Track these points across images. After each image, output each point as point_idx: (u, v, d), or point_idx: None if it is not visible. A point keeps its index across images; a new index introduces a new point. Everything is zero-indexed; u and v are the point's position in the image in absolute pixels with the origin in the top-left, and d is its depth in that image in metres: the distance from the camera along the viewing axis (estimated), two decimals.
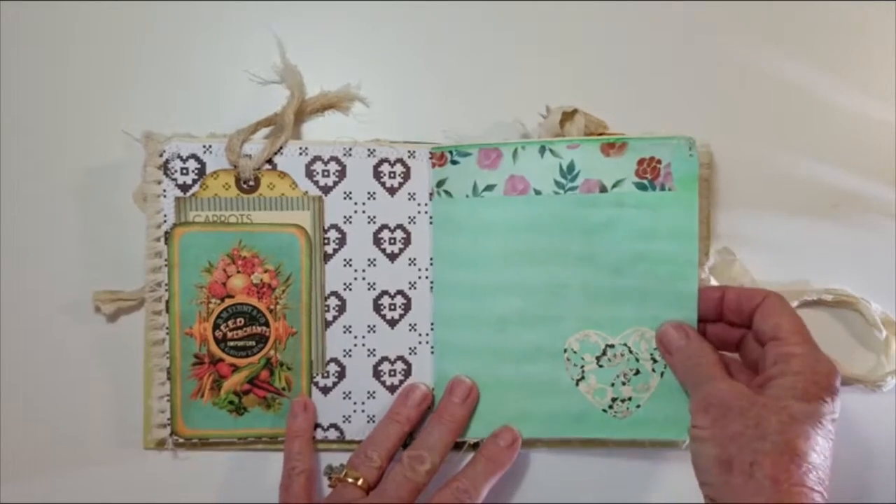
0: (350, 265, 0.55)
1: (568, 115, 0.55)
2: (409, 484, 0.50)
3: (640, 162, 0.53)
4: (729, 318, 0.52)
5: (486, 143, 0.54)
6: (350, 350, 0.55)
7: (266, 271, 0.54)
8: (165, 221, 0.53)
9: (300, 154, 0.54)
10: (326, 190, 0.54)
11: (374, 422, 0.54)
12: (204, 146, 0.53)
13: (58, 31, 0.56)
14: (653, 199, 0.53)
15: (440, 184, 0.55)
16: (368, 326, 0.55)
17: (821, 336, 0.56)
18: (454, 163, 0.54)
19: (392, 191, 0.55)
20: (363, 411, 0.55)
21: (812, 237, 0.57)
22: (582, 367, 0.54)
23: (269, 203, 0.54)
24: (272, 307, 0.54)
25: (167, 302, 0.53)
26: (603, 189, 0.53)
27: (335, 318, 0.54)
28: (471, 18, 0.58)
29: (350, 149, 0.54)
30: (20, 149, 0.56)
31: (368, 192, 0.55)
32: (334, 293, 0.54)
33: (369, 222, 0.55)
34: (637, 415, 0.54)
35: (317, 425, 0.54)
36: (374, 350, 0.55)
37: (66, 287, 0.55)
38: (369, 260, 0.55)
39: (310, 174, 0.54)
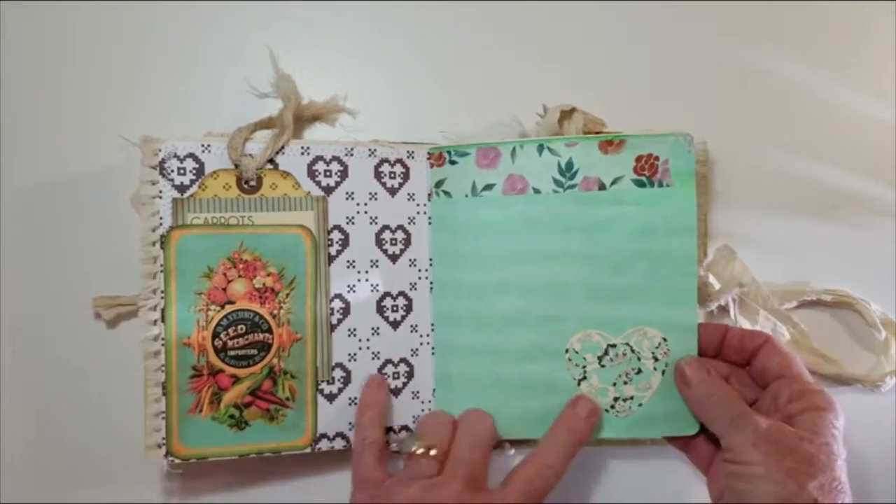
0: (353, 266, 0.53)
1: (566, 114, 0.55)
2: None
3: (638, 159, 0.53)
4: (728, 354, 0.53)
5: (484, 142, 0.54)
6: (355, 354, 0.53)
7: (269, 275, 0.51)
8: (161, 224, 0.50)
9: (302, 153, 0.52)
10: (329, 190, 0.53)
11: None
12: (202, 145, 0.51)
13: (57, 34, 0.54)
14: (651, 195, 0.53)
15: (439, 184, 0.54)
16: (372, 329, 0.53)
17: (820, 336, 0.57)
18: (452, 163, 0.54)
19: (392, 191, 0.54)
20: None
21: (812, 237, 0.58)
22: (584, 367, 0.53)
23: (273, 204, 0.52)
24: (275, 312, 0.51)
25: (163, 310, 0.50)
26: (602, 187, 0.53)
27: (340, 321, 0.53)
28: (468, 18, 0.57)
29: (351, 149, 0.53)
30: (19, 151, 0.54)
31: (370, 193, 0.53)
32: (338, 296, 0.53)
33: (371, 223, 0.53)
34: (639, 413, 0.53)
35: (322, 436, 0.52)
36: (378, 353, 0.54)
37: (66, 292, 0.53)
38: (372, 261, 0.53)
39: (312, 174, 0.52)
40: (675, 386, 0.52)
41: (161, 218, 0.50)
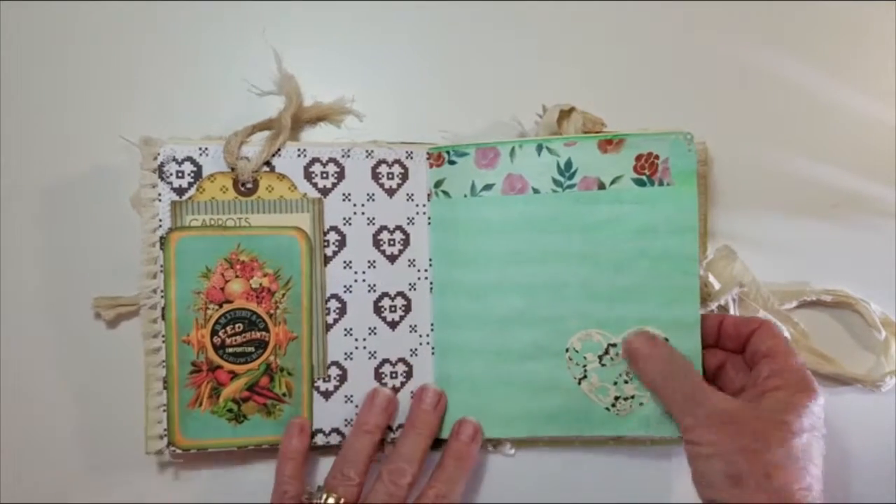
0: (350, 267, 0.54)
1: (565, 114, 0.55)
2: (392, 500, 0.50)
3: (638, 158, 0.53)
4: (725, 343, 0.53)
5: (483, 142, 0.54)
6: (351, 353, 0.54)
7: (265, 275, 0.52)
8: (161, 226, 0.51)
9: (299, 156, 0.53)
10: (325, 192, 0.53)
11: None
12: (200, 148, 0.52)
13: (57, 35, 0.55)
14: (651, 194, 0.53)
15: (438, 184, 0.55)
16: (369, 329, 0.54)
17: (820, 336, 0.57)
18: (452, 163, 0.54)
19: (391, 192, 0.54)
20: None
21: (812, 237, 0.58)
22: (584, 366, 0.53)
23: (268, 206, 0.53)
24: (272, 312, 0.53)
25: (163, 309, 0.51)
26: (601, 186, 0.53)
27: (336, 321, 0.54)
28: (467, 18, 0.58)
29: (348, 150, 0.54)
30: (19, 152, 0.54)
31: (367, 194, 0.54)
32: (334, 296, 0.54)
33: (368, 224, 0.54)
34: (639, 412, 0.53)
35: (318, 431, 0.53)
36: (374, 352, 0.54)
37: (67, 293, 0.54)
38: (369, 262, 0.54)
39: (308, 176, 0.53)
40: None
41: (160, 220, 0.51)
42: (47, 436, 0.54)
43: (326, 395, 0.54)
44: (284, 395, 0.53)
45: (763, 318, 0.53)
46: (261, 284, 0.52)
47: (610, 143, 0.53)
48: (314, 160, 0.53)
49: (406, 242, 0.55)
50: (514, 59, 0.58)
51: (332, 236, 0.53)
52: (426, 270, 0.55)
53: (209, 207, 0.52)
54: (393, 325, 0.55)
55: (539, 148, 0.53)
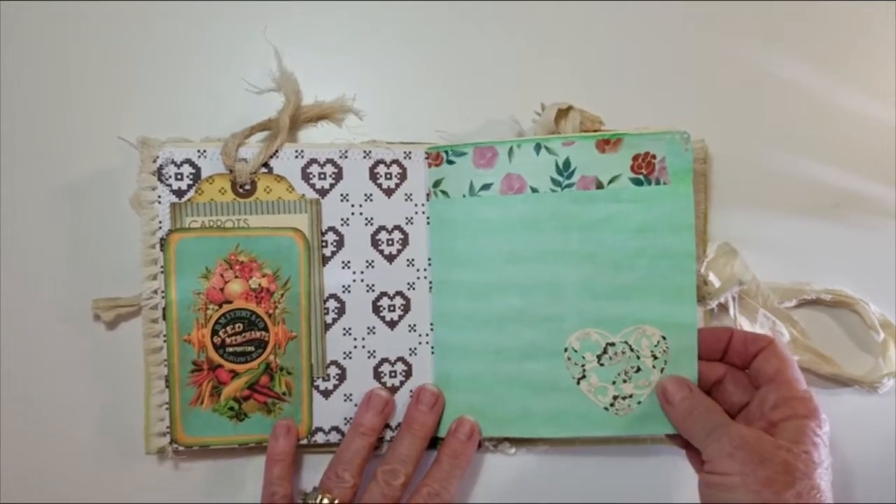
0: (348, 267, 0.54)
1: (563, 113, 0.55)
2: (386, 500, 0.50)
3: (636, 157, 0.53)
4: (731, 357, 0.53)
5: (481, 141, 0.54)
6: (350, 352, 0.54)
7: (264, 276, 0.53)
8: (161, 228, 0.52)
9: (296, 157, 0.53)
10: (323, 192, 0.54)
11: None
12: (198, 151, 0.52)
13: (57, 35, 0.55)
14: (649, 193, 0.53)
15: (437, 184, 0.55)
16: (368, 328, 0.55)
17: (820, 337, 0.56)
18: (450, 162, 0.54)
19: (389, 192, 0.55)
20: None
21: (812, 237, 0.57)
22: (583, 365, 0.54)
23: (266, 207, 0.53)
24: (271, 312, 0.53)
25: (164, 309, 0.52)
26: (599, 185, 0.53)
27: (335, 320, 0.54)
28: (465, 18, 0.57)
29: (346, 151, 0.54)
30: (19, 153, 0.55)
31: (365, 194, 0.54)
32: (333, 296, 0.54)
33: (367, 224, 0.54)
34: (639, 411, 0.53)
35: (318, 429, 0.54)
36: (374, 352, 0.55)
37: (66, 294, 0.54)
38: (367, 261, 0.54)
39: (306, 177, 0.53)
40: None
41: (160, 221, 0.52)
42: (47, 437, 0.54)
43: (326, 393, 0.54)
44: (284, 393, 0.54)
45: (771, 336, 0.53)
46: (260, 285, 0.53)
47: (608, 143, 0.53)
48: (312, 161, 0.54)
49: (405, 242, 0.55)
50: (512, 59, 0.57)
51: (330, 237, 0.54)
52: (425, 270, 0.55)
53: (208, 209, 0.52)
54: (392, 324, 0.55)
55: (537, 147, 0.53)
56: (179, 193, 0.52)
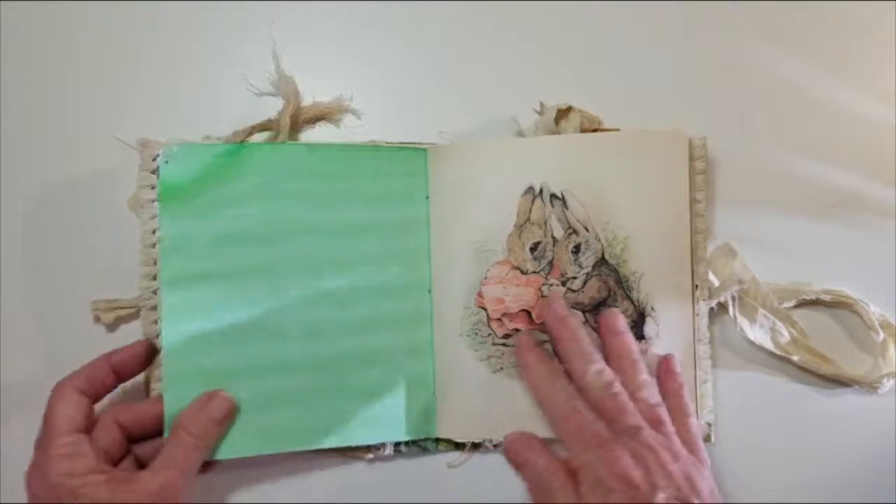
0: None
1: (563, 113, 0.55)
2: None
3: None
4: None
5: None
6: None
7: None
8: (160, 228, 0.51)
9: None
10: None
11: None
12: None
13: (56, 35, 0.55)
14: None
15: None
16: None
17: (819, 337, 0.56)
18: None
19: None
20: None
21: (812, 237, 0.57)
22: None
23: None
24: None
25: None
26: None
27: None
28: (465, 18, 0.58)
29: None
30: (18, 154, 0.55)
31: None
32: None
33: None
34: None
35: None
36: None
37: (65, 296, 0.54)
38: None
39: None
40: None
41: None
42: None
43: None
44: None
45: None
46: None
47: None
48: None
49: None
50: (512, 59, 0.58)
51: None
52: None
53: None
54: None
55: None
56: None
